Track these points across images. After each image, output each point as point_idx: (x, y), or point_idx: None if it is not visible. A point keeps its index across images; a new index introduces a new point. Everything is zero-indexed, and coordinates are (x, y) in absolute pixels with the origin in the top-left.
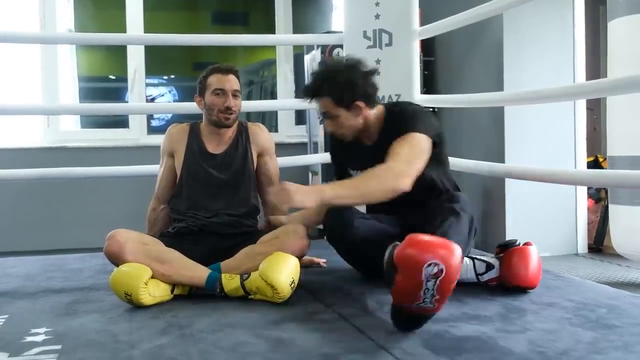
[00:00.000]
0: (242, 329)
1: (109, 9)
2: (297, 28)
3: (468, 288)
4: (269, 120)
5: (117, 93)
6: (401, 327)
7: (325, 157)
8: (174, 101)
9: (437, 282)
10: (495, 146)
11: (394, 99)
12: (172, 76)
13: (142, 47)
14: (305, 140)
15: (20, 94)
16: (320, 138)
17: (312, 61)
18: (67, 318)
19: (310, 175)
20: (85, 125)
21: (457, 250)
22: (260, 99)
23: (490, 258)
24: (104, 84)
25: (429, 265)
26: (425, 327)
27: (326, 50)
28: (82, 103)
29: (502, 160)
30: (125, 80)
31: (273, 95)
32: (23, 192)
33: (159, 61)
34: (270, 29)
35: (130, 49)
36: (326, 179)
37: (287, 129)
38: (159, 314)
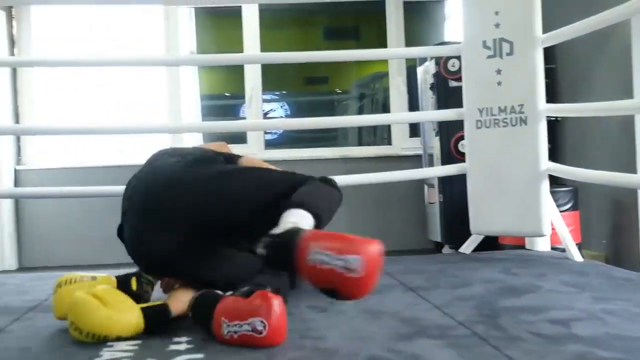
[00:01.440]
0: (375, 343)
1: (228, 29)
2: (409, 39)
3: (608, 305)
4: (381, 132)
5: (232, 109)
6: None
7: (441, 170)
8: (286, 116)
9: None
10: (625, 156)
11: (517, 109)
12: (284, 92)
13: (259, 66)
14: (420, 152)
15: (148, 113)
16: (435, 150)
17: (425, 73)
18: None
19: (426, 188)
20: (207, 141)
21: None
22: (372, 111)
23: None
24: (221, 101)
25: None
26: (566, 347)
27: (441, 61)
28: (204, 121)
29: (633, 171)
30: (240, 97)
31: (385, 108)
32: None
33: (273, 77)
34: (382, 42)
35: (247, 68)
36: (443, 191)
37: (401, 141)
38: (291, 325)
